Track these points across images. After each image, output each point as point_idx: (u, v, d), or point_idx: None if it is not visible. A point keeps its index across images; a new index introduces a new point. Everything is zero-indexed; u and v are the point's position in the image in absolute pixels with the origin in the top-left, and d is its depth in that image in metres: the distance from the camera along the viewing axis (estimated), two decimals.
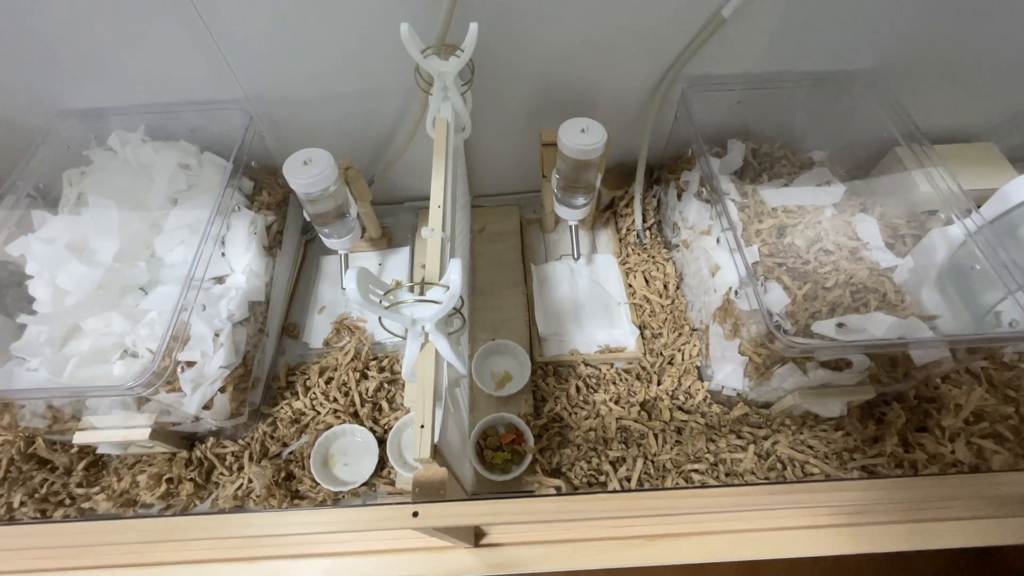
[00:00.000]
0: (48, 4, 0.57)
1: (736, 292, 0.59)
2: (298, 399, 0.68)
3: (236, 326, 0.62)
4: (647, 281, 0.77)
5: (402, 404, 0.67)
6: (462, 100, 0.60)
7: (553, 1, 0.59)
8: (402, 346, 0.72)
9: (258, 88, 0.68)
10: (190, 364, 0.57)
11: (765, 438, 0.62)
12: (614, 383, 0.68)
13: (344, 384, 0.68)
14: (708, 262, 0.65)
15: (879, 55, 0.68)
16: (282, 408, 0.67)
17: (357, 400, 0.67)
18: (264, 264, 0.69)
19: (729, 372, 0.62)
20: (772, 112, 0.73)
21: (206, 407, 0.58)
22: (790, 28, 0.64)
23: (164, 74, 0.66)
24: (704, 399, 0.66)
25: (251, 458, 0.63)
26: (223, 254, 0.65)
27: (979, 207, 0.58)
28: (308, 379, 0.69)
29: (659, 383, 0.67)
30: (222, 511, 0.61)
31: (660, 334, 0.72)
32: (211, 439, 0.64)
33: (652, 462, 0.62)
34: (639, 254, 0.80)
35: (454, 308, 0.39)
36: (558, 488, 0.59)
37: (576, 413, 0.66)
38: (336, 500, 0.61)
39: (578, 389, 0.67)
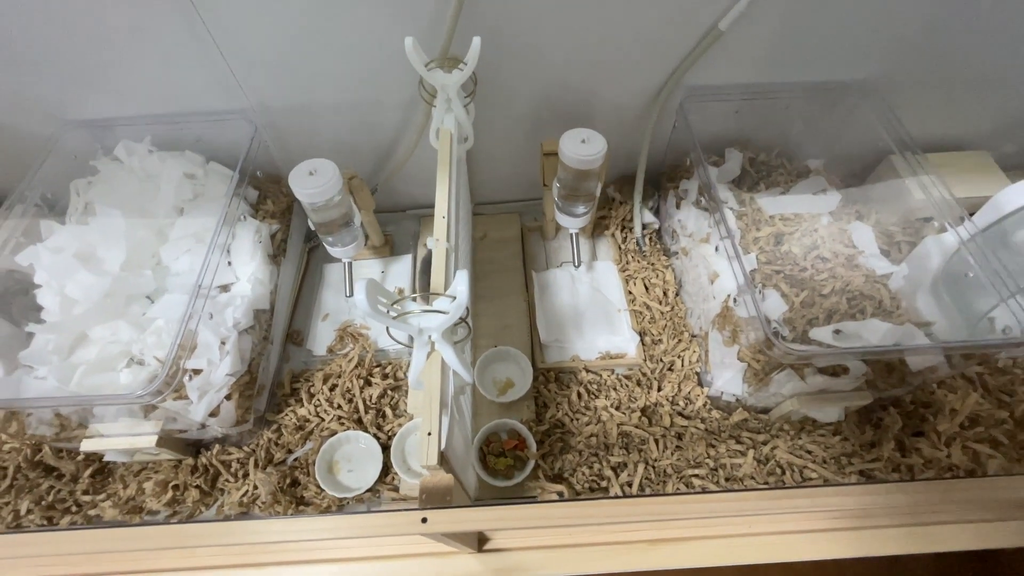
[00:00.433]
0: (56, 16, 0.58)
1: (735, 299, 0.60)
2: (302, 406, 0.68)
3: (242, 334, 0.63)
4: (647, 288, 0.78)
5: (405, 411, 0.68)
6: (465, 111, 0.61)
7: (554, 14, 0.61)
8: (405, 353, 0.73)
9: (263, 98, 0.69)
10: (197, 372, 0.58)
11: (764, 443, 0.63)
12: (615, 389, 0.69)
13: (348, 391, 0.69)
14: (707, 269, 0.66)
15: (873, 66, 0.69)
16: (287, 415, 0.68)
17: (361, 407, 0.68)
18: (269, 272, 0.69)
19: (728, 378, 0.63)
20: (769, 121, 0.75)
21: (212, 414, 0.59)
22: (786, 40, 0.65)
23: (170, 85, 0.67)
24: (704, 405, 0.67)
25: (256, 465, 0.64)
26: (229, 263, 0.65)
27: (972, 215, 0.59)
28: (312, 386, 0.70)
29: (659, 389, 0.68)
30: (227, 517, 0.61)
31: (660, 340, 0.72)
32: (216, 446, 0.65)
33: (653, 467, 0.62)
34: (639, 261, 0.81)
35: (460, 317, 0.40)
36: (560, 493, 0.60)
37: (578, 419, 0.66)
38: (341, 506, 0.62)
39: (579, 395, 0.68)
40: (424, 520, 0.35)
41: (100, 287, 0.59)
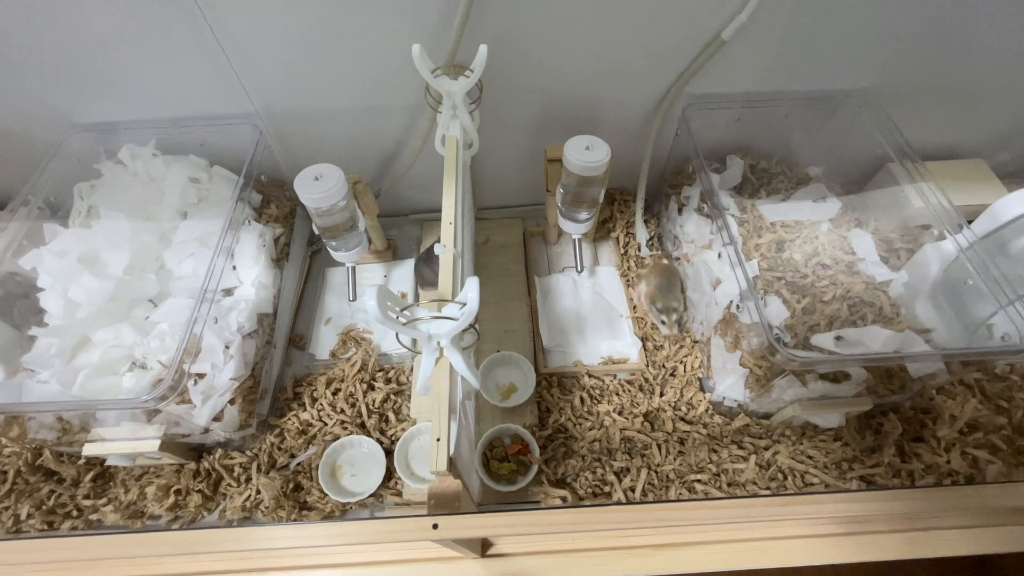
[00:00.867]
0: (61, 20, 0.58)
1: (737, 305, 0.61)
2: (305, 410, 0.68)
3: (245, 338, 0.63)
4: None
5: (409, 415, 0.68)
6: (470, 118, 0.61)
7: (559, 23, 0.61)
8: (408, 357, 0.73)
9: (268, 103, 0.69)
10: (200, 376, 0.58)
11: (766, 448, 0.64)
12: (617, 394, 0.69)
13: (351, 395, 0.69)
14: (709, 276, 0.66)
15: (873, 75, 0.70)
16: (289, 419, 0.68)
17: (364, 411, 0.68)
18: (272, 276, 0.70)
19: (730, 384, 0.63)
20: (770, 129, 0.75)
21: (216, 419, 0.59)
22: (787, 49, 0.66)
23: (175, 89, 0.67)
24: (706, 410, 0.67)
25: (259, 469, 0.63)
26: (234, 267, 0.65)
27: (970, 222, 0.60)
28: (315, 390, 0.70)
29: (662, 394, 0.69)
30: (230, 523, 0.61)
31: (662, 346, 0.73)
32: (219, 450, 0.65)
33: (656, 472, 0.63)
34: (640, 267, 0.81)
35: (469, 323, 0.40)
36: (564, 498, 0.60)
37: (580, 424, 0.67)
38: (344, 511, 0.62)
39: (582, 400, 0.69)
40: (435, 526, 0.35)
41: (103, 291, 0.59)
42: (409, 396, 0.70)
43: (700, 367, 0.70)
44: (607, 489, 0.61)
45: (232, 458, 0.65)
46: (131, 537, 0.44)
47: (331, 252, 0.72)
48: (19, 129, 0.69)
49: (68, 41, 0.60)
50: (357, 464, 0.65)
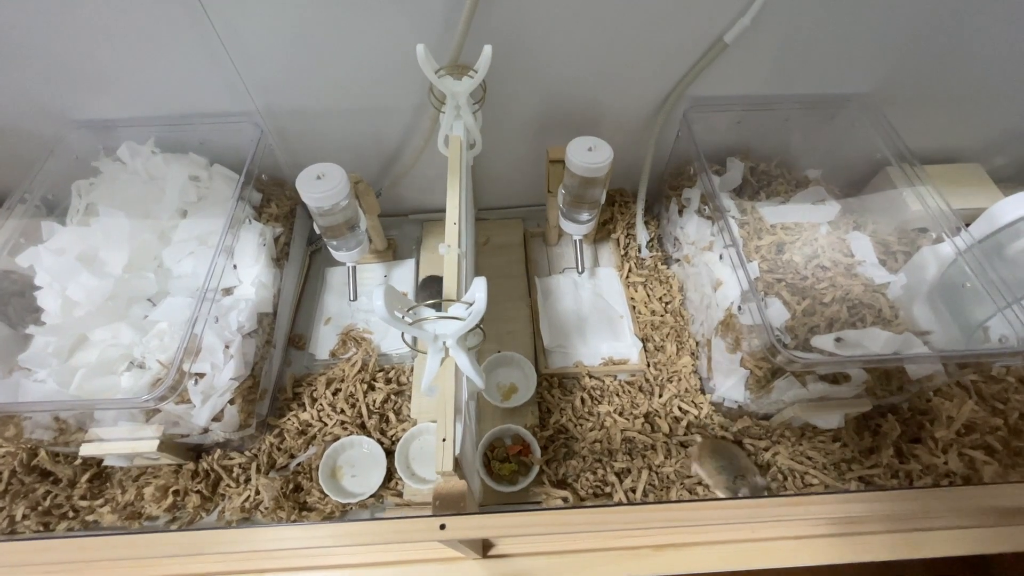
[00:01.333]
0: (60, 15, 0.58)
1: (739, 307, 0.61)
2: (305, 410, 0.68)
3: (245, 338, 0.62)
4: (649, 295, 0.79)
5: (409, 415, 0.68)
6: (473, 118, 0.61)
7: (563, 25, 0.61)
8: (408, 357, 0.73)
9: (269, 101, 0.69)
10: (200, 376, 0.57)
11: (766, 449, 0.64)
12: (618, 395, 0.69)
13: (351, 395, 0.69)
14: (710, 277, 0.67)
15: (872, 80, 0.71)
16: (289, 419, 0.67)
17: (364, 411, 0.67)
18: (272, 276, 0.69)
19: (731, 385, 0.64)
20: (770, 132, 0.76)
21: (216, 419, 0.58)
22: (788, 53, 0.67)
23: (175, 86, 0.66)
24: (706, 411, 0.68)
25: (259, 470, 0.63)
26: (235, 266, 0.65)
27: (967, 225, 0.61)
28: (315, 390, 0.70)
29: (662, 395, 0.69)
30: (229, 524, 0.61)
31: (662, 347, 0.73)
32: (218, 451, 0.64)
33: (656, 473, 0.63)
34: (641, 268, 0.81)
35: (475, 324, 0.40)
36: (565, 499, 0.60)
37: (581, 425, 0.67)
38: (344, 512, 0.62)
39: (583, 401, 0.69)
40: (443, 527, 0.35)
41: (102, 289, 0.59)
42: (410, 397, 0.70)
43: (700, 368, 0.70)
44: (608, 490, 0.62)
45: (231, 459, 0.64)
46: (129, 538, 0.43)
47: (332, 252, 0.71)
48: (16, 126, 0.68)
49: (67, 36, 0.60)
50: (357, 465, 0.65)
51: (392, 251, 0.84)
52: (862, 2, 0.61)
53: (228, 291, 0.65)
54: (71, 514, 0.61)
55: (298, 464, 0.65)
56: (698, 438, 0.65)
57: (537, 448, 0.63)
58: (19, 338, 0.59)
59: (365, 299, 0.76)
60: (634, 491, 0.61)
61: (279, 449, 0.65)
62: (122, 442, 0.58)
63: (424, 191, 0.85)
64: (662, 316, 0.76)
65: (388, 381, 0.70)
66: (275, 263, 0.71)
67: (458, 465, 0.38)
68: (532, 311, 0.77)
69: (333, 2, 0.58)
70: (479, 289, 0.38)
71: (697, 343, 0.73)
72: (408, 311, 0.39)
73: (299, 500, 0.62)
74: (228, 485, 0.63)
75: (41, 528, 0.60)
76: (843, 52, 0.67)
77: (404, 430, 0.66)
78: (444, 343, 0.40)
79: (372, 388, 0.70)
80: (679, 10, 0.61)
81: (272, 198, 0.75)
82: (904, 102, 0.73)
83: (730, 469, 0.60)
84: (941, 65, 0.69)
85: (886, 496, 0.46)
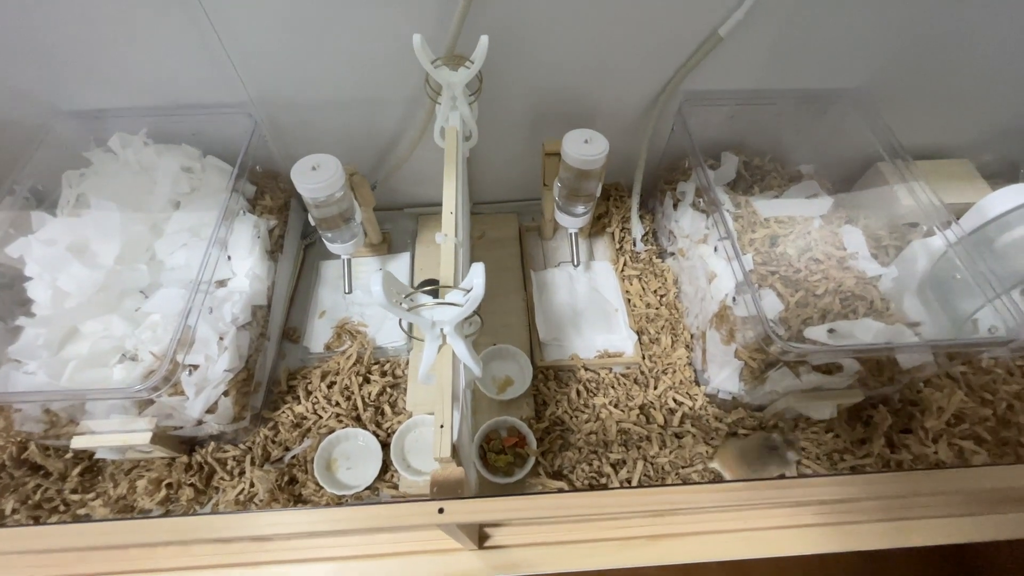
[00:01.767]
0: (50, 2, 0.57)
1: (733, 299, 0.62)
2: (300, 403, 0.68)
3: (239, 330, 0.62)
4: (644, 288, 0.79)
5: (405, 408, 0.68)
6: (469, 109, 0.61)
7: (559, 17, 0.61)
8: (404, 350, 0.72)
9: (263, 92, 0.68)
10: (194, 367, 0.57)
11: None
12: (613, 387, 0.70)
13: (346, 388, 0.68)
14: (705, 270, 0.67)
15: (864, 76, 0.72)
16: (284, 412, 0.67)
17: (360, 404, 0.67)
18: (267, 268, 0.69)
19: (725, 376, 0.64)
20: (763, 127, 0.77)
21: (210, 411, 0.58)
22: (782, 49, 0.67)
23: (168, 76, 0.66)
24: (701, 403, 0.68)
25: (253, 462, 0.63)
26: (229, 258, 0.65)
27: (957, 219, 0.61)
28: (310, 383, 0.69)
29: (656, 387, 0.69)
30: (227, 511, 0.60)
31: (657, 339, 0.74)
32: (211, 444, 0.64)
33: (651, 464, 0.63)
34: (636, 261, 0.82)
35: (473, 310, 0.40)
36: (561, 490, 0.61)
37: (577, 416, 0.67)
38: (339, 504, 0.61)
39: (578, 393, 0.69)
40: (441, 510, 0.35)
41: (93, 281, 0.58)
42: (405, 389, 0.70)
43: (695, 360, 0.71)
44: (604, 480, 0.62)
45: (225, 451, 0.64)
46: (121, 524, 0.43)
47: (327, 244, 0.71)
48: (4, 116, 0.67)
49: (55, 23, 0.59)
50: (353, 457, 0.65)
51: (387, 245, 0.84)
52: None
53: (222, 283, 0.64)
54: (62, 508, 0.60)
55: (293, 457, 0.64)
56: (693, 430, 0.66)
57: (533, 440, 0.63)
58: (9, 330, 0.58)
59: (360, 292, 0.76)
60: (629, 481, 0.62)
61: (274, 442, 0.65)
62: (115, 435, 0.57)
63: (419, 184, 0.85)
64: (657, 309, 0.76)
65: (383, 374, 0.70)
66: (269, 256, 0.71)
67: (456, 452, 0.38)
68: (528, 304, 0.77)
69: None
70: (477, 275, 0.38)
71: (692, 335, 0.73)
72: (406, 297, 0.39)
73: (294, 492, 0.62)
74: (222, 478, 0.62)
75: (32, 522, 0.59)
76: (836, 47, 0.68)
77: (400, 422, 0.66)
78: (441, 330, 0.40)
79: (367, 381, 0.70)
80: (675, 3, 0.61)
81: (266, 190, 0.75)
82: (896, 98, 0.74)
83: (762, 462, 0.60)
84: (932, 62, 0.70)
85: (876, 479, 0.46)
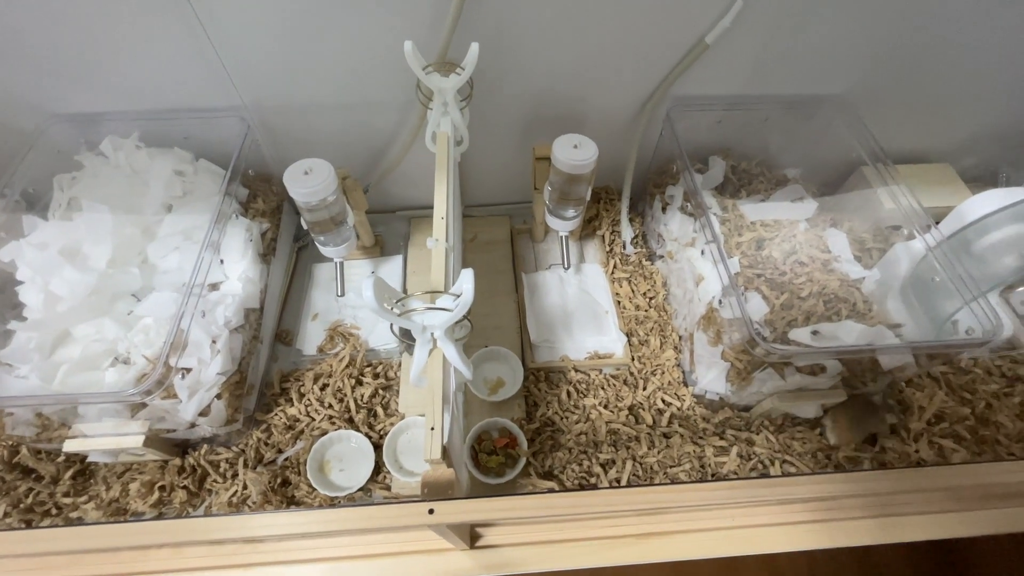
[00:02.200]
0: (40, 5, 0.57)
1: (720, 301, 0.63)
2: (292, 405, 0.68)
3: (232, 333, 0.62)
4: (633, 290, 0.80)
5: (397, 410, 0.69)
6: (460, 115, 0.62)
7: (549, 24, 0.62)
8: (396, 353, 0.73)
9: (256, 96, 0.69)
10: (187, 370, 0.57)
11: (746, 440, 0.66)
12: (603, 388, 0.71)
13: (339, 390, 0.69)
14: (692, 272, 0.68)
15: (848, 82, 0.73)
16: (276, 415, 0.68)
17: (352, 406, 0.68)
18: (259, 271, 0.69)
19: (712, 377, 0.65)
20: (750, 132, 0.78)
21: (202, 414, 0.58)
22: (768, 55, 0.69)
23: (160, 80, 0.66)
24: (689, 403, 0.69)
25: (246, 465, 0.63)
26: (222, 261, 0.65)
27: (937, 223, 0.63)
28: (303, 385, 0.70)
29: (645, 388, 0.70)
30: (220, 513, 0.61)
31: (646, 341, 0.75)
32: (204, 446, 0.64)
33: (640, 464, 0.64)
34: (626, 264, 0.83)
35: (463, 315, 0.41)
36: (551, 490, 0.61)
37: (567, 417, 0.68)
38: (332, 506, 0.62)
39: (569, 394, 0.70)
40: (431, 511, 0.36)
41: (85, 284, 0.58)
42: (397, 391, 0.70)
43: (683, 361, 0.72)
44: (593, 480, 0.63)
45: (218, 454, 0.64)
46: (114, 527, 0.43)
47: (319, 247, 0.71)
48: None
49: (47, 27, 0.59)
50: (345, 459, 0.65)
51: (379, 248, 0.85)
52: (838, 6, 0.63)
53: (215, 286, 0.65)
54: (54, 511, 0.60)
55: (286, 459, 0.65)
56: (681, 430, 0.67)
57: (524, 440, 0.64)
58: (0, 334, 0.58)
59: (353, 295, 0.77)
60: (619, 481, 0.63)
61: (266, 444, 0.66)
62: (107, 438, 0.58)
63: (411, 187, 0.86)
64: (646, 311, 0.77)
65: (376, 376, 0.71)
66: (262, 259, 0.71)
67: (446, 453, 0.39)
68: (519, 306, 0.78)
69: None
70: (466, 281, 0.39)
71: (680, 337, 0.74)
72: (397, 302, 0.40)
73: (287, 494, 0.62)
74: (215, 480, 0.63)
75: (23, 526, 0.59)
76: (820, 55, 0.69)
77: (392, 424, 0.67)
78: (432, 334, 0.41)
79: (360, 383, 0.70)
80: (662, 10, 0.62)
81: (259, 194, 0.75)
82: (879, 104, 0.75)
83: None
84: (915, 69, 0.72)
85: (860, 477, 0.48)
